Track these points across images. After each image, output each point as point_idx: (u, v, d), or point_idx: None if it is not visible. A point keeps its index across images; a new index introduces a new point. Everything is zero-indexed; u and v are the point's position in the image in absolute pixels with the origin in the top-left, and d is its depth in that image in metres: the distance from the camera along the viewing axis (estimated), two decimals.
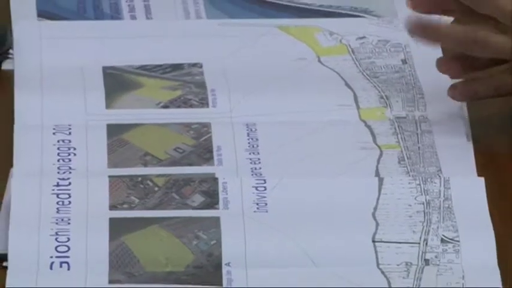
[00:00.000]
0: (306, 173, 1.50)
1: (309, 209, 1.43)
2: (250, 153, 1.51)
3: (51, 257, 1.35)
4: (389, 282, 1.33)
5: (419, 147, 1.52)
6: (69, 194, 1.43)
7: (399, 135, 1.54)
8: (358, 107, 1.58)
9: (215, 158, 1.51)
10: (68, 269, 1.34)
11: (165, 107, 1.59)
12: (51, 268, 1.34)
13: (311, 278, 1.35)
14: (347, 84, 1.61)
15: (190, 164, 1.50)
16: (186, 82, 1.61)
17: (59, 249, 1.37)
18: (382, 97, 1.58)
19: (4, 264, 1.34)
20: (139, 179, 1.47)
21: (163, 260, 1.35)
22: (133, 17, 1.73)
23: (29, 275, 1.33)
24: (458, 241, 1.38)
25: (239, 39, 1.69)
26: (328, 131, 1.55)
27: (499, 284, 1.34)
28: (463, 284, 1.33)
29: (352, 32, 1.69)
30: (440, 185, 1.45)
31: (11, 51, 1.63)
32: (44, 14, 1.70)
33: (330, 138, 1.54)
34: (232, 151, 1.51)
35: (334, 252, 1.38)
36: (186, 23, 1.73)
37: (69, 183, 1.45)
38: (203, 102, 1.59)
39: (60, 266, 1.34)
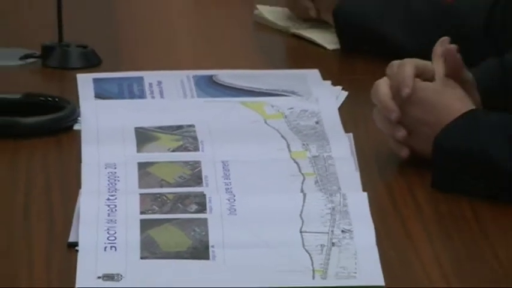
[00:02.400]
0: (259, 191, 1.50)
1: (261, 213, 1.43)
2: (225, 179, 1.51)
3: (105, 243, 1.35)
4: (310, 256, 1.32)
5: (327, 175, 1.52)
6: (115, 205, 1.43)
7: (314, 167, 1.53)
8: (289, 151, 1.58)
9: (203, 182, 1.51)
10: (115, 250, 1.34)
11: (173, 151, 1.59)
12: (104, 250, 1.34)
13: (263, 255, 1.34)
14: (283, 137, 1.61)
15: (188, 186, 1.50)
16: (185, 136, 1.62)
17: (109, 238, 1.36)
18: (304, 144, 1.58)
19: (76, 248, 1.33)
20: (158, 195, 1.46)
21: (173, 244, 1.35)
22: (152, 97, 1.72)
23: (91, 255, 1.32)
24: (352, 231, 1.38)
25: (217, 110, 1.70)
26: (271, 165, 1.55)
27: (377, 257, 1.32)
28: (355, 257, 1.32)
29: (285, 105, 1.69)
30: (340, 198, 1.45)
31: (79, 118, 1.60)
32: (98, 95, 1.71)
33: (273, 170, 1.54)
34: (213, 178, 1.52)
35: (277, 238, 1.37)
36: (184, 101, 1.73)
37: (115, 198, 1.45)
38: (196, 149, 1.60)
39: (110, 249, 1.34)
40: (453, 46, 1.51)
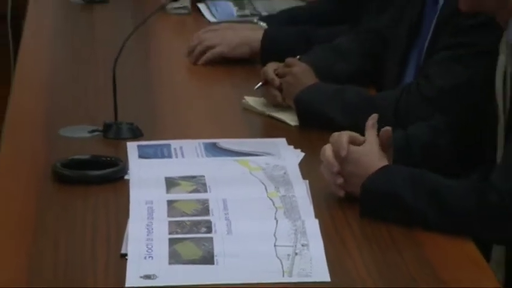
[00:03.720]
0: (247, 218, 1.48)
1: (248, 233, 1.42)
2: (224, 211, 1.49)
3: (145, 254, 1.34)
4: (281, 262, 1.32)
5: (291, 207, 1.50)
6: (152, 228, 1.43)
7: (283, 203, 1.51)
8: (267, 192, 1.56)
9: (210, 213, 1.49)
10: (152, 259, 1.33)
11: (190, 192, 1.57)
12: (145, 258, 1.33)
13: (250, 261, 1.34)
14: (262, 183, 1.59)
15: (200, 216, 1.48)
16: (197, 183, 1.60)
17: (148, 251, 1.36)
18: (276, 188, 1.57)
19: (126, 257, 1.33)
20: (180, 222, 1.45)
21: (190, 254, 1.34)
22: (176, 157, 1.71)
23: (136, 262, 1.32)
24: (308, 245, 1.37)
25: (219, 165, 1.67)
26: (255, 201, 1.53)
27: (325, 262, 1.32)
28: (310, 262, 1.32)
29: (263, 162, 1.67)
30: (300, 223, 1.44)
31: (128, 171, 1.61)
32: (141, 156, 1.69)
33: (256, 205, 1.52)
34: (217, 210, 1.49)
35: (259, 250, 1.37)
36: (197, 159, 1.70)
37: (152, 224, 1.44)
38: (205, 191, 1.57)
39: (149, 258, 1.33)
40: (388, 128, 1.51)
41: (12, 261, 1.32)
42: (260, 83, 1.89)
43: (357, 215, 1.46)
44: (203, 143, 1.72)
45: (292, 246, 1.37)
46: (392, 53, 1.91)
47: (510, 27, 1.50)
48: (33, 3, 2.47)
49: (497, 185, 1.40)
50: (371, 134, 1.51)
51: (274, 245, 1.37)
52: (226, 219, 1.46)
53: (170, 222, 1.45)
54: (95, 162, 1.60)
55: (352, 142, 1.49)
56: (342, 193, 1.50)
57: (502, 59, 1.54)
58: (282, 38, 2.10)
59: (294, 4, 2.44)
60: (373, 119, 1.53)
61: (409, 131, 1.67)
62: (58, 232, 1.42)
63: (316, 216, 1.46)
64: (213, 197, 1.53)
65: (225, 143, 1.73)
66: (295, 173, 1.61)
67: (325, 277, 1.29)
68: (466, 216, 1.40)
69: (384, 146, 1.51)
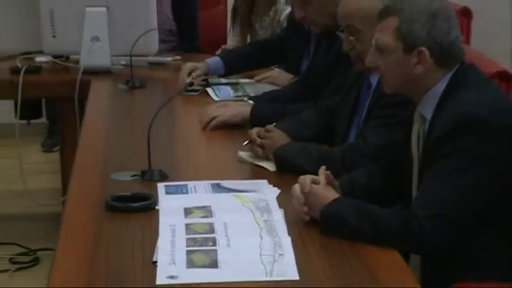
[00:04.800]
0: (240, 236, 1.46)
1: (241, 246, 1.41)
2: (225, 230, 1.48)
3: (169, 261, 1.34)
4: (265, 267, 1.32)
5: (271, 228, 1.48)
6: (175, 242, 1.42)
7: (266, 225, 1.50)
8: (254, 217, 1.54)
9: (215, 232, 1.47)
10: (175, 265, 1.32)
11: (201, 217, 1.54)
12: (169, 264, 1.33)
13: (242, 266, 1.33)
14: (251, 211, 1.57)
15: (208, 234, 1.46)
16: (206, 211, 1.57)
17: (171, 259, 1.35)
18: (261, 214, 1.55)
19: (156, 264, 1.32)
20: (194, 238, 1.44)
21: (201, 261, 1.34)
22: (191, 193, 1.68)
23: (163, 267, 1.31)
24: (283, 255, 1.37)
25: (221, 199, 1.65)
26: (246, 224, 1.51)
27: (295, 266, 1.31)
28: (284, 267, 1.32)
29: (252, 197, 1.65)
30: (278, 239, 1.43)
31: (158, 203, 1.59)
32: (167, 192, 1.67)
33: (247, 226, 1.51)
34: (220, 230, 1.48)
35: (249, 258, 1.36)
36: (206, 194, 1.67)
37: (174, 240, 1.43)
38: (211, 216, 1.55)
39: (172, 264, 1.33)
40: (329, 172, 1.51)
41: (79, 267, 1.33)
42: (247, 141, 1.89)
43: (318, 232, 1.45)
44: (210, 183, 1.71)
45: (272, 255, 1.36)
46: (340, 121, 1.91)
47: (421, 103, 1.51)
48: (93, 89, 2.46)
49: (415, 211, 1.38)
50: (322, 178, 1.49)
51: (260, 254, 1.37)
52: (226, 236, 1.45)
53: (187, 239, 1.43)
54: (135, 197, 1.60)
55: (314, 182, 1.49)
56: (307, 218, 1.48)
57: (416, 125, 1.56)
58: (264, 111, 2.10)
59: (272, 88, 2.46)
60: (322, 168, 1.53)
61: (352, 175, 1.66)
62: (109, 246, 1.41)
63: (289, 234, 1.45)
64: (217, 220, 1.52)
65: (225, 183, 1.72)
66: (273, 204, 1.60)
67: (295, 276, 1.29)
68: (392, 233, 1.38)
69: (331, 185, 1.51)
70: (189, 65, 2.43)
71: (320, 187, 1.47)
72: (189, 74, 2.39)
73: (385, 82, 1.51)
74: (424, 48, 1.39)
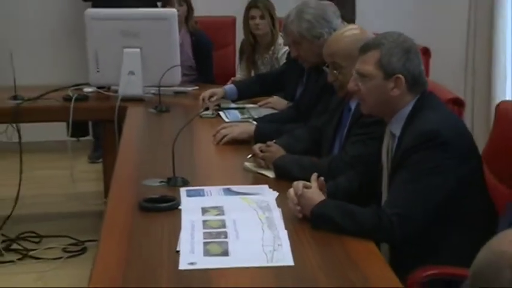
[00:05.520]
0: (247, 230, 1.44)
1: (248, 238, 1.39)
2: (234, 225, 1.46)
3: (189, 250, 1.33)
4: (266, 255, 1.31)
5: (271, 224, 1.46)
6: (194, 235, 1.40)
7: (267, 221, 1.48)
8: (258, 215, 1.52)
9: (226, 227, 1.45)
10: (194, 253, 1.31)
11: (215, 215, 1.52)
12: (189, 253, 1.31)
13: (249, 254, 1.31)
14: (255, 210, 1.56)
15: (220, 228, 1.44)
16: (219, 210, 1.55)
17: (191, 248, 1.34)
18: (263, 212, 1.53)
19: (179, 252, 1.30)
20: (209, 232, 1.42)
21: (214, 250, 1.33)
22: (207, 196, 1.65)
23: (185, 255, 1.30)
24: (281, 245, 1.35)
25: (231, 200, 1.62)
26: (251, 220, 1.49)
27: (290, 254, 1.29)
28: (282, 254, 1.30)
29: (256, 199, 1.63)
30: (277, 232, 1.42)
31: (181, 204, 1.58)
32: (188, 195, 1.64)
33: (252, 222, 1.48)
34: (230, 225, 1.46)
35: (254, 248, 1.34)
36: (219, 197, 1.65)
37: (194, 233, 1.42)
38: (223, 214, 1.53)
39: (192, 252, 1.32)
40: (322, 178, 1.50)
41: (117, 255, 1.32)
42: (251, 155, 1.88)
43: (309, 227, 1.43)
44: (222, 188, 1.70)
45: (272, 245, 1.35)
46: (326, 137, 1.91)
47: (391, 122, 1.51)
48: (129, 113, 2.47)
49: (385, 210, 1.38)
50: (314, 183, 1.49)
51: (262, 245, 1.35)
52: (235, 230, 1.43)
53: (204, 233, 1.42)
54: (162, 199, 1.59)
55: (305, 187, 1.48)
56: (300, 215, 1.46)
57: (386, 141, 1.56)
58: (265, 130, 2.09)
59: (272, 112, 2.47)
60: (314, 175, 1.53)
61: (336, 181, 1.66)
62: (141, 238, 1.40)
63: (286, 228, 1.43)
64: (228, 218, 1.50)
65: (234, 188, 1.70)
66: (273, 204, 1.58)
67: (291, 262, 1.28)
68: (368, 228, 1.37)
69: (321, 189, 1.51)
70: (209, 91, 2.46)
71: (310, 191, 1.46)
72: (209, 97, 2.41)
73: (364, 104, 1.50)
74: (401, 76, 1.41)
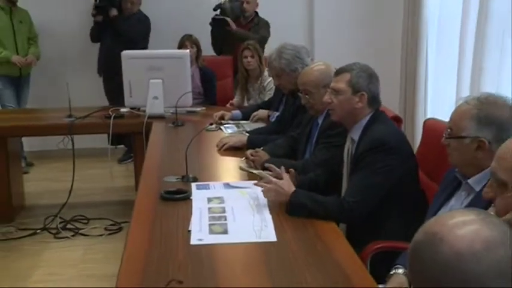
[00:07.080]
0: (242, 214, 1.40)
1: (243, 221, 1.35)
2: (232, 211, 1.42)
3: (199, 229, 1.29)
4: (255, 232, 1.27)
5: (260, 209, 1.42)
6: (201, 219, 1.36)
7: (256, 207, 1.43)
8: (250, 204, 1.47)
9: (226, 212, 1.42)
10: (201, 231, 1.28)
11: (218, 204, 1.48)
12: (198, 231, 1.27)
13: (244, 232, 1.27)
14: (248, 200, 1.51)
15: (221, 213, 1.40)
16: (221, 200, 1.51)
17: (199, 228, 1.30)
18: (254, 201, 1.47)
19: (190, 231, 1.26)
20: (213, 216, 1.38)
21: (217, 230, 1.28)
22: (212, 189, 1.60)
23: (195, 233, 1.27)
24: (267, 226, 1.32)
25: (230, 192, 1.58)
26: (245, 208, 1.44)
27: (273, 231, 1.26)
28: (268, 232, 1.27)
29: (249, 191, 1.58)
30: (264, 216, 1.37)
31: (192, 196, 1.53)
32: (197, 188, 1.59)
33: (246, 209, 1.44)
34: (229, 211, 1.43)
35: (248, 228, 1.30)
36: (221, 189, 1.59)
37: (201, 217, 1.37)
38: (223, 202, 1.49)
39: (200, 231, 1.28)
40: (292, 170, 1.47)
41: (143, 233, 1.28)
42: (244, 158, 1.87)
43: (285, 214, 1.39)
44: (223, 183, 1.67)
45: (260, 226, 1.32)
46: (300, 145, 1.90)
47: (351, 130, 1.50)
48: (153, 127, 2.48)
49: (346, 198, 1.38)
50: (285, 176, 1.45)
51: (253, 226, 1.33)
52: (233, 215, 1.40)
53: (209, 217, 1.38)
54: (178, 192, 1.56)
55: (279, 178, 1.45)
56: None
57: (347, 145, 1.55)
58: (255, 140, 2.09)
59: (260, 126, 2.47)
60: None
61: (307, 176, 1.65)
62: (162, 221, 1.36)
63: (270, 213, 1.40)
64: (227, 205, 1.46)
65: (232, 183, 1.67)
66: (261, 195, 1.52)
67: (274, 239, 1.26)
68: (333, 212, 1.36)
69: (291, 179, 1.48)
70: (221, 112, 2.56)
71: (282, 181, 1.43)
72: (221, 117, 2.51)
73: (334, 113, 1.49)
74: (364, 93, 1.44)
